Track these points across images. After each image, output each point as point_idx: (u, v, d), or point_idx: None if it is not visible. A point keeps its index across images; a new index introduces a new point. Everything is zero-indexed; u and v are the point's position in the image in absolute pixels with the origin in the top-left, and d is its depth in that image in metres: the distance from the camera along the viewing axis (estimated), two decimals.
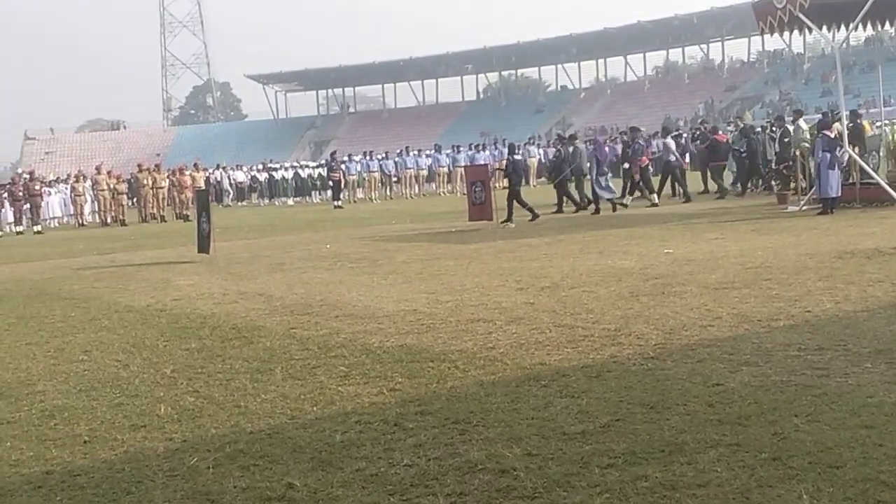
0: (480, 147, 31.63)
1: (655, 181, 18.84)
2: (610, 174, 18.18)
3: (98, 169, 28.32)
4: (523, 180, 19.95)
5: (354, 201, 30.44)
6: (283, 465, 3.63)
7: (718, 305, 6.67)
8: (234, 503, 3.18)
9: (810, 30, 14.21)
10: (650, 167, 18.59)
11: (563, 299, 7.53)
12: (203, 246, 12.98)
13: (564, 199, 17.86)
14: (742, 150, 18.76)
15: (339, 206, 26.42)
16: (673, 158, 18.78)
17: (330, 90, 75.28)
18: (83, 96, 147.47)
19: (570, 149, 18.07)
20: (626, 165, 18.15)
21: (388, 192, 32.04)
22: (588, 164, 17.87)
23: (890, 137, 14.33)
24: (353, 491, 3.21)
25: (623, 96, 62.75)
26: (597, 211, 17.02)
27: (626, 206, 17.55)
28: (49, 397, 5.25)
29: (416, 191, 31.37)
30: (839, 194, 13.06)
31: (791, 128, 16.57)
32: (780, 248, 9.86)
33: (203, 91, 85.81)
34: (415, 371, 5.27)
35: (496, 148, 31.13)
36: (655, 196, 17.78)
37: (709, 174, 19.83)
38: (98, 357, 6.41)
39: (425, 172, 31.22)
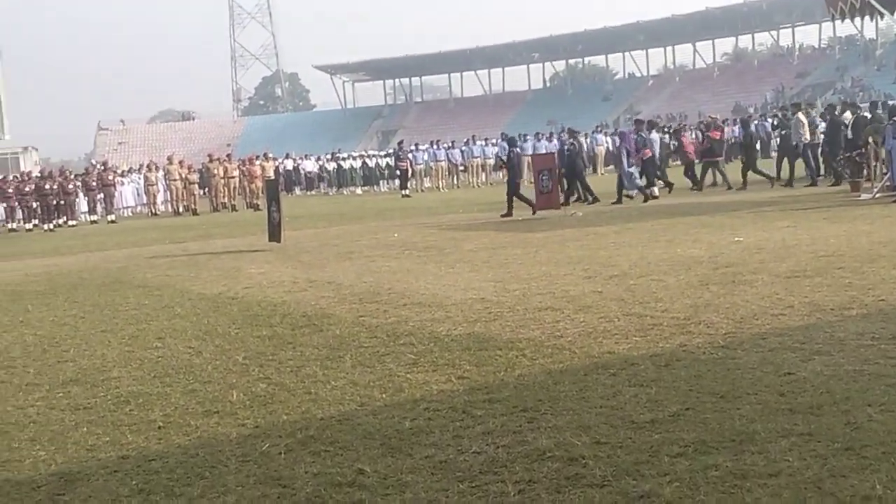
0: (547, 136, 31.32)
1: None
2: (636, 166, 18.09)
3: (170, 159, 28.91)
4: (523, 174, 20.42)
5: (421, 190, 30.77)
6: (353, 451, 3.69)
7: (790, 294, 6.59)
8: (305, 488, 3.24)
9: (882, 15, 13.98)
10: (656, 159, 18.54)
11: (631, 288, 7.51)
12: (273, 235, 13.33)
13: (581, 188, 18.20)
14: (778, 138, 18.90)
15: (407, 196, 26.75)
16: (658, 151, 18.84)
17: (397, 80, 75.86)
18: (154, 87, 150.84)
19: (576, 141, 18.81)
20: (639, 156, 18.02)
21: (454, 182, 32.24)
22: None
23: None
24: (423, 477, 3.25)
25: (692, 83, 62.60)
26: (618, 200, 17.23)
27: (656, 196, 17.55)
28: (124, 383, 5.43)
29: (483, 179, 31.36)
30: None
31: (849, 116, 16.43)
32: (852, 237, 9.65)
33: (272, 82, 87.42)
34: (483, 359, 5.29)
35: (556, 138, 28.91)
36: (655, 189, 17.72)
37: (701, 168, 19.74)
38: (171, 344, 6.59)
39: (492, 161, 30.45)
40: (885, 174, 13.73)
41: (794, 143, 17.99)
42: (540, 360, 5.17)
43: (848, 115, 17.24)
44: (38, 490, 3.49)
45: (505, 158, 18.39)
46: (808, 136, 17.74)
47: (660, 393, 4.20)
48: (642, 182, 17.69)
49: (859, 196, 14.21)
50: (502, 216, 15.81)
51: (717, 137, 19.71)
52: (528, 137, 30.28)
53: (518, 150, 19.11)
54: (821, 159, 18.30)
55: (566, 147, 18.64)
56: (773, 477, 2.95)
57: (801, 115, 18.19)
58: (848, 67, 53.91)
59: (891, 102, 18.15)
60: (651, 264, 8.80)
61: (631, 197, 17.70)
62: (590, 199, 17.84)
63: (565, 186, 17.35)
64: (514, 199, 16.00)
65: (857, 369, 4.35)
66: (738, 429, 3.52)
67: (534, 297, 7.44)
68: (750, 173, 18.74)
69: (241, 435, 4.09)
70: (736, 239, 10.31)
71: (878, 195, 13.52)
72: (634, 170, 17.69)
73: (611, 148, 30.11)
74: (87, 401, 5.04)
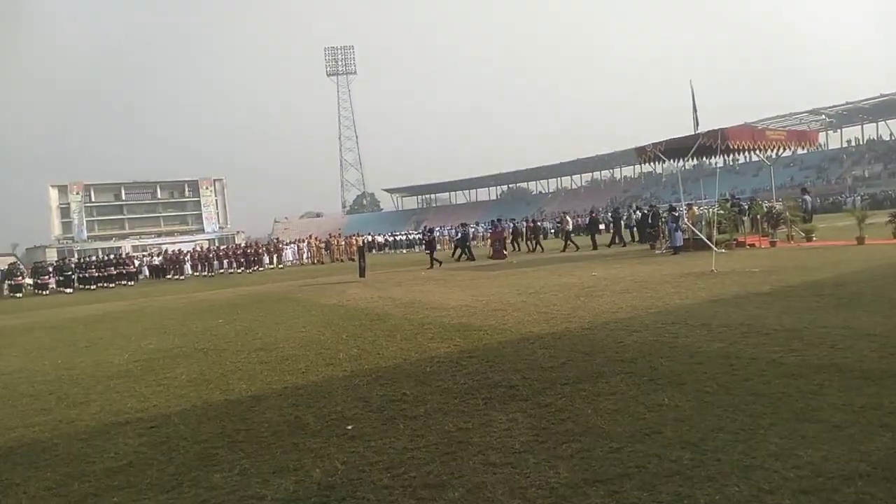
0: (498, 222, 42.10)
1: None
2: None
3: (310, 236, 50.25)
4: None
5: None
6: (400, 383, 6.70)
7: (620, 301, 11.14)
8: (376, 401, 6.14)
9: (664, 161, 25.06)
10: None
11: (541, 298, 12.54)
12: (361, 274, 23.88)
13: (467, 251, 30.44)
14: (626, 221, 34.77)
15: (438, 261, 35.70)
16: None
17: (423, 195, 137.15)
18: (303, 199, 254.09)
19: (466, 228, 34.79)
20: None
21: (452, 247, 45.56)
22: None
23: (708, 215, 23.10)
24: (435, 396, 6.11)
25: (569, 197, 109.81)
26: (470, 258, 29.36)
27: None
28: (285, 350, 9.16)
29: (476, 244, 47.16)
30: (682, 244, 21.89)
31: (660, 210, 29.19)
32: (651, 272, 15.79)
33: (361, 197, 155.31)
34: (466, 336, 8.98)
35: (503, 223, 43.49)
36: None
37: (592, 236, 31.80)
38: (309, 329, 11.11)
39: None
40: (666, 241, 23.05)
41: (623, 224, 33.41)
42: (496, 336, 8.81)
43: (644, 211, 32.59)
44: (240, 404, 6.59)
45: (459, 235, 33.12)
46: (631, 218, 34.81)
47: (555, 352, 7.26)
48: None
49: (654, 252, 23.50)
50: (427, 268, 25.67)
51: (596, 217, 34.42)
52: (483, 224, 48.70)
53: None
54: (635, 232, 32.06)
55: (463, 230, 33.84)
56: (612, 395, 5.65)
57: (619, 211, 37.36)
58: (648, 187, 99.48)
59: (667, 204, 33.07)
60: (550, 286, 14.58)
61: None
62: (468, 257, 30.13)
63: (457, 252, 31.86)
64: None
65: (654, 339, 7.64)
66: (595, 370, 6.38)
67: (491, 303, 12.52)
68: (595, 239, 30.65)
69: (344, 376, 7.26)
70: (593, 273, 16.74)
71: (663, 251, 22.89)
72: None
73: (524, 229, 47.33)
74: (266, 359, 8.63)
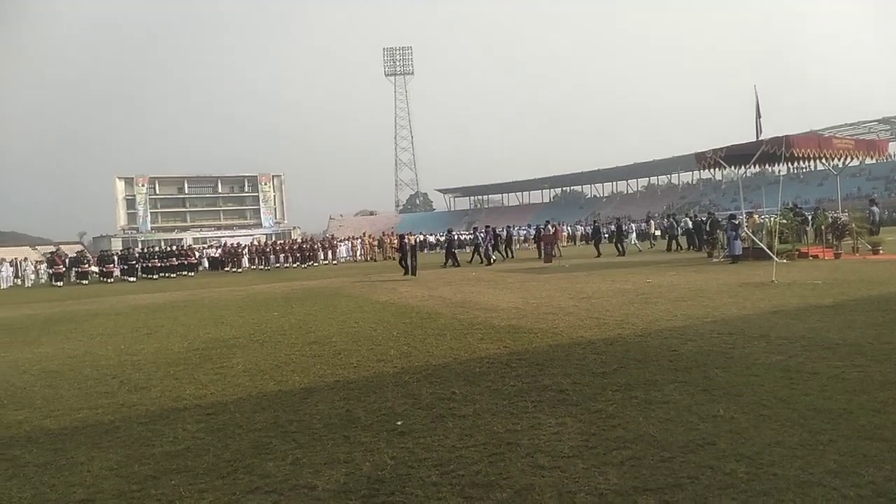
0: (549, 224, 41.77)
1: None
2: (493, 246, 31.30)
3: (364, 234, 51.19)
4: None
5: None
6: (450, 382, 6.72)
7: (675, 309, 10.98)
8: (426, 398, 6.21)
9: (725, 167, 24.61)
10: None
11: (593, 304, 12.42)
12: (412, 272, 24.23)
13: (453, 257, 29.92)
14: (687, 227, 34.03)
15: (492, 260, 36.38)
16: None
17: (475, 196, 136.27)
18: (358, 197, 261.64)
19: (451, 235, 33.69)
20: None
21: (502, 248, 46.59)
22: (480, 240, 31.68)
23: (769, 224, 22.37)
24: (485, 397, 6.12)
25: (625, 201, 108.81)
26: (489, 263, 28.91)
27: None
28: (338, 344, 9.31)
29: (518, 247, 45.44)
30: (741, 253, 21.25)
31: (719, 217, 29.78)
32: (708, 280, 15.54)
33: (415, 197, 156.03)
34: (516, 338, 8.91)
35: (554, 225, 43.62)
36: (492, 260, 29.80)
37: (594, 243, 32.87)
38: (361, 325, 11.24)
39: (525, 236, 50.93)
40: (724, 249, 22.59)
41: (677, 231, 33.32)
42: (545, 339, 8.70)
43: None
44: (294, 395, 6.72)
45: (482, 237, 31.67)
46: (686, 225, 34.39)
47: (607, 358, 7.15)
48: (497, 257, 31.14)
49: (712, 260, 23.00)
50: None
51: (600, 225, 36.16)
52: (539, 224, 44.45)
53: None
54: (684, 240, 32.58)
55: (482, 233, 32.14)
56: (665, 404, 5.56)
57: (677, 217, 36.71)
58: (707, 193, 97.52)
59: (727, 212, 31.37)
60: (602, 291, 14.48)
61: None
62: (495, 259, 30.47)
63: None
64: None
65: (709, 349, 7.44)
66: (647, 378, 6.27)
67: (542, 306, 12.47)
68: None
69: (394, 372, 7.32)
70: (647, 280, 16.50)
71: (721, 259, 22.36)
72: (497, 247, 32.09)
73: (581, 231, 52.64)
74: (319, 352, 8.77)
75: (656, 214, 74.42)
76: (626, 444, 4.66)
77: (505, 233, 38.18)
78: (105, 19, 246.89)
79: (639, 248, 35.01)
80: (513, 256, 34.45)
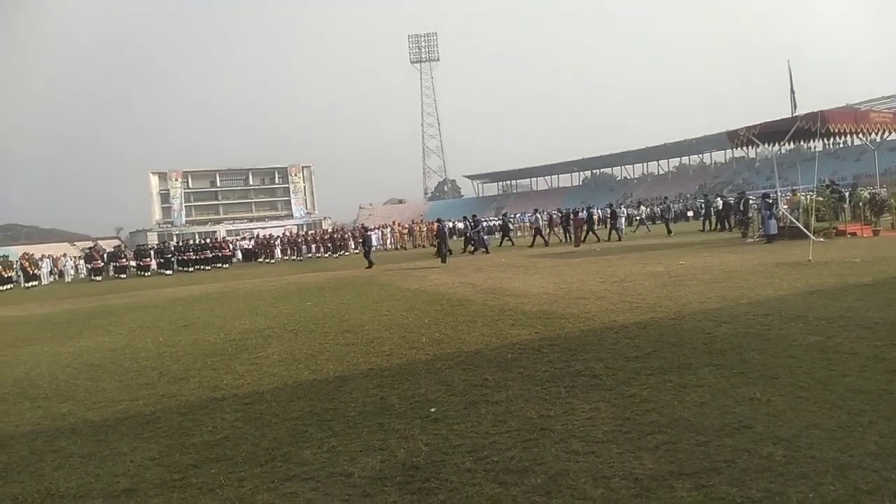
0: (580, 209, 40.79)
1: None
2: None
3: (394, 222, 52.57)
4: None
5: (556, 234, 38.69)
6: (482, 368, 6.74)
7: (709, 291, 10.81)
8: (458, 385, 6.23)
9: (759, 145, 24.31)
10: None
11: (625, 287, 12.31)
12: (443, 259, 24.44)
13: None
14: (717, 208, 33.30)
15: (510, 242, 36.83)
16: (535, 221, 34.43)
17: (503, 182, 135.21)
18: (387, 185, 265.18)
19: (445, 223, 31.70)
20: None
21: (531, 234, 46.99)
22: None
23: (805, 202, 21.77)
24: (517, 383, 6.12)
25: (656, 183, 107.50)
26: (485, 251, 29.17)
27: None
28: (370, 333, 9.38)
29: (546, 232, 43.67)
30: (776, 232, 20.98)
31: (751, 197, 29.73)
32: (743, 261, 15.27)
33: (443, 184, 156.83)
34: (548, 323, 8.86)
35: (586, 209, 42.86)
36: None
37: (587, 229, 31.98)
38: (393, 313, 11.31)
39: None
40: (759, 229, 22.47)
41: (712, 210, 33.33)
42: (577, 324, 8.64)
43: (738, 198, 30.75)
44: (329, 384, 6.80)
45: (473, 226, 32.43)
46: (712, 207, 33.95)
47: (640, 342, 7.09)
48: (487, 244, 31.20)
49: (746, 240, 22.55)
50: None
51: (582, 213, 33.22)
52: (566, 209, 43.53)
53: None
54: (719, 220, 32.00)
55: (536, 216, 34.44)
56: (700, 387, 5.50)
57: (709, 198, 36.87)
58: (740, 172, 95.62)
59: (761, 192, 31.36)
60: (635, 274, 14.33)
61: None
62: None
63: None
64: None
65: (745, 331, 7.32)
66: (682, 361, 6.20)
67: (574, 291, 12.42)
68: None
69: (427, 360, 7.36)
70: (680, 262, 16.25)
71: (756, 239, 22.09)
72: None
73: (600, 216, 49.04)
74: (352, 340, 8.86)
75: (688, 195, 74.10)
76: (660, 428, 4.63)
77: (501, 221, 38.93)
78: (126, 14, 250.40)
79: (648, 229, 37.11)
80: (512, 244, 34.63)
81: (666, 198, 61.21)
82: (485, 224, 55.27)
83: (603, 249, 23.80)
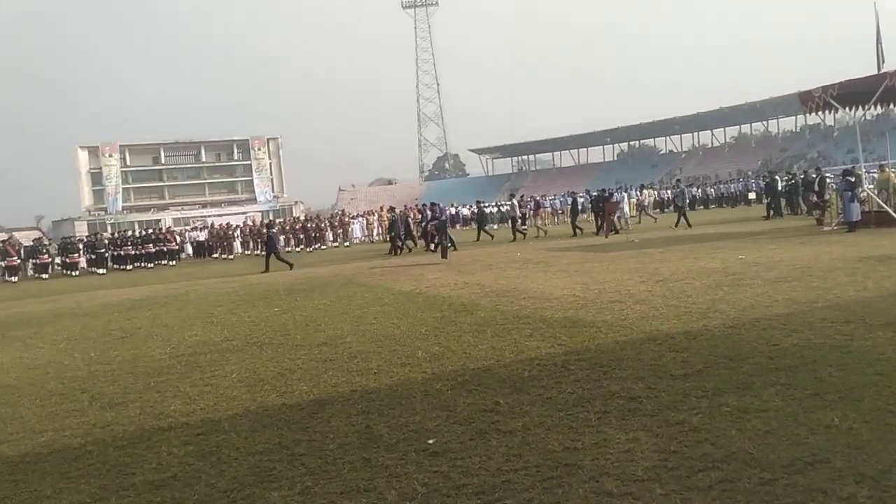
0: (616, 191, 43.51)
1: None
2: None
3: (381, 208, 50.76)
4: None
5: (536, 226, 39.64)
6: (492, 389, 6.75)
7: (776, 292, 10.78)
8: (463, 411, 6.22)
9: (838, 109, 24.32)
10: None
11: (670, 288, 12.31)
12: (443, 255, 24.20)
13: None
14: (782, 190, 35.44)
15: (524, 231, 37.11)
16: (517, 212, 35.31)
17: (518, 157, 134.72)
18: (372, 163, 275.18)
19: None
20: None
21: (555, 221, 51.11)
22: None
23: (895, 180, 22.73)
24: (536, 408, 6.11)
25: (710, 156, 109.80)
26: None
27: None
28: (353, 346, 9.46)
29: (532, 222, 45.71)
30: (860, 218, 21.30)
31: (828, 175, 30.90)
32: (818, 255, 15.30)
33: (443, 160, 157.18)
34: (574, 333, 8.97)
35: (626, 191, 46.52)
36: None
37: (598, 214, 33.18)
38: (381, 321, 11.41)
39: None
40: (840, 214, 22.53)
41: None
42: (611, 334, 8.74)
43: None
44: (301, 409, 6.80)
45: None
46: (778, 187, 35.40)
47: (689, 356, 7.13)
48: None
49: (822, 228, 23.04)
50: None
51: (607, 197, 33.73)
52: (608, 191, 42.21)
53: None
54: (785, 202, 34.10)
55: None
56: (764, 412, 5.49)
57: (776, 176, 38.26)
58: (814, 144, 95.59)
59: (841, 168, 31.44)
60: (683, 272, 14.33)
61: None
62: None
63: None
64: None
65: (821, 342, 7.37)
66: (741, 380, 6.22)
67: (606, 293, 12.38)
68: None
69: (423, 379, 7.39)
70: (739, 256, 16.34)
71: (835, 227, 22.38)
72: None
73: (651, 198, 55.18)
74: (331, 356, 8.93)
75: (749, 173, 74.00)
76: (714, 463, 4.63)
77: (476, 210, 41.01)
78: None
79: (654, 219, 38.76)
80: (491, 237, 35.01)
81: (678, 180, 59.99)
82: (452, 211, 55.37)
83: (643, 241, 23.77)
